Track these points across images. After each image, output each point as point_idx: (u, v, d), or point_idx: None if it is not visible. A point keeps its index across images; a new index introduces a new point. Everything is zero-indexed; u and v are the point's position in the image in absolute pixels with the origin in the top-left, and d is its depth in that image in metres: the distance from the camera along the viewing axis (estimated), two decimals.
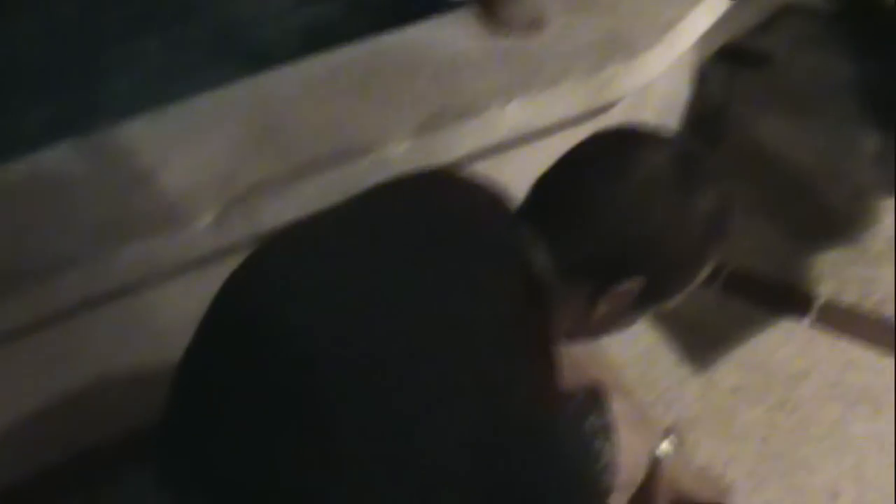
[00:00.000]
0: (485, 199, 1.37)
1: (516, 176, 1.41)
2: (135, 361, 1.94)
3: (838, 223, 2.40)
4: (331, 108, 2.02)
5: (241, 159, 1.91)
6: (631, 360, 2.12)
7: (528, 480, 1.17)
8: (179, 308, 1.51)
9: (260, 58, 2.15)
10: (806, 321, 2.19)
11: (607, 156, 1.29)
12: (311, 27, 2.45)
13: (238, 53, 2.31)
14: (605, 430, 1.47)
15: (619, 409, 1.52)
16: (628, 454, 1.51)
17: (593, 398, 1.50)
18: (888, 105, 2.61)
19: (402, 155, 1.90)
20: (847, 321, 2.18)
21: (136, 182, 1.89)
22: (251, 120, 2.01)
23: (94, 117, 2.05)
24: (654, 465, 1.69)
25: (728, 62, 2.80)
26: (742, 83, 2.76)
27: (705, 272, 1.35)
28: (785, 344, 2.15)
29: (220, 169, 1.89)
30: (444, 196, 1.37)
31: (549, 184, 1.31)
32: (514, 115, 2.01)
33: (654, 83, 2.25)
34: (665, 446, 1.69)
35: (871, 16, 2.82)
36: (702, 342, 2.16)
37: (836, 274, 2.28)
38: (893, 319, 2.17)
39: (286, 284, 1.27)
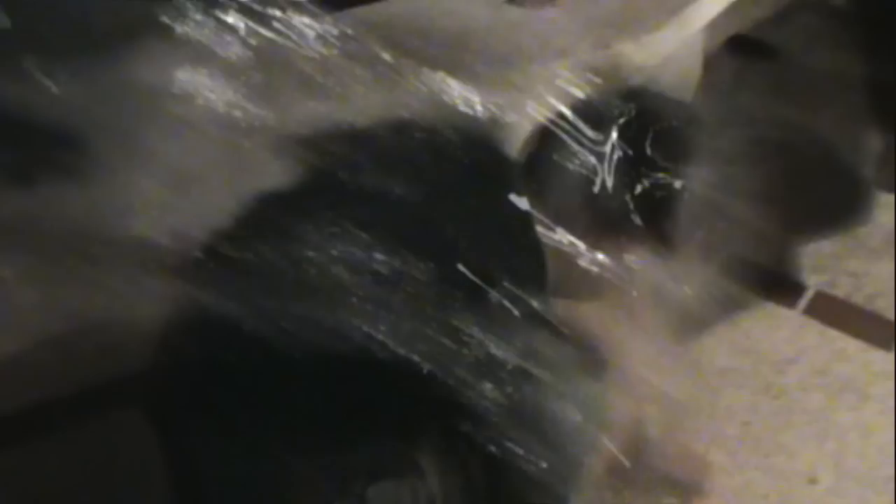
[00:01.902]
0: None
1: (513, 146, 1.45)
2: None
3: (837, 217, 2.41)
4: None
5: (249, 111, 1.93)
6: (622, 335, 2.13)
7: None
8: None
9: None
10: (797, 310, 2.21)
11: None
12: None
13: None
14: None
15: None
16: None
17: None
18: (893, 104, 2.62)
19: None
20: (838, 312, 2.20)
21: None
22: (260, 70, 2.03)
23: None
24: (638, 437, 1.71)
25: (739, 52, 2.81)
26: (751, 74, 2.77)
27: None
28: (775, 330, 2.17)
29: (223, 116, 1.91)
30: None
31: None
32: (518, 86, 2.02)
33: (662, 67, 2.26)
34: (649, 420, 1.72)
35: (883, 15, 2.82)
36: (693, 324, 2.18)
37: (831, 266, 2.29)
38: (884, 313, 2.19)
39: None
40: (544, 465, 1.31)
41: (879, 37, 2.80)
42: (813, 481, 1.91)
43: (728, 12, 2.45)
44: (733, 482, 1.91)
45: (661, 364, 2.08)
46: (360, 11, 2.15)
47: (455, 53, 2.05)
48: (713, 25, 2.49)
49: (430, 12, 2.16)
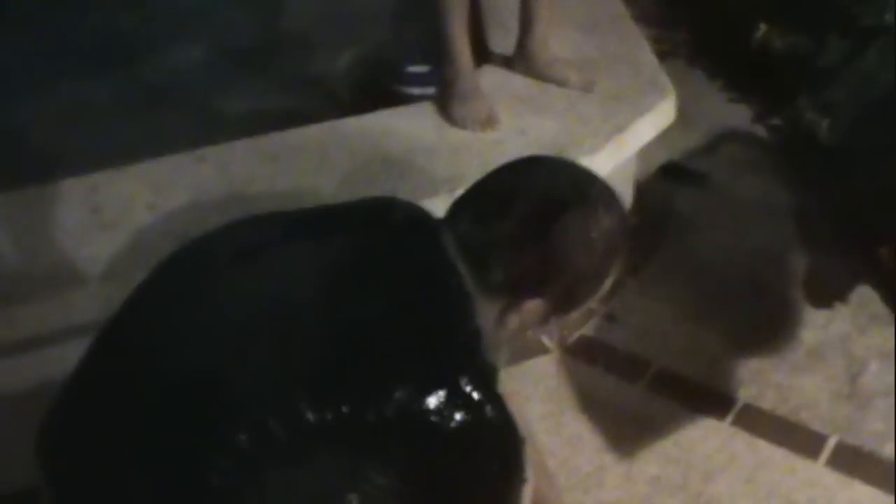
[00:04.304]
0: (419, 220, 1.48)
1: None
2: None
3: (763, 334, 2.51)
4: (286, 182, 2.13)
5: (196, 221, 2.00)
6: (556, 445, 2.19)
7: None
8: None
9: (224, 128, 2.25)
10: (726, 421, 2.29)
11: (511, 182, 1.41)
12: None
13: (204, 124, 2.40)
14: None
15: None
16: None
17: None
18: (816, 230, 2.77)
19: None
20: (765, 423, 2.28)
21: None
22: (210, 185, 2.11)
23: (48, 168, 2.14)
24: None
25: (669, 179, 2.96)
26: (681, 199, 2.91)
27: (606, 287, 1.45)
28: (704, 440, 2.24)
29: (175, 228, 1.97)
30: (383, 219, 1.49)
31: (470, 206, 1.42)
32: None
33: None
34: None
35: (806, 148, 2.98)
36: (625, 433, 2.25)
37: (757, 380, 2.38)
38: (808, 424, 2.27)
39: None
40: None
41: (801, 168, 2.97)
42: None
43: (659, 140, 2.59)
44: None
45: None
46: (307, 129, 2.26)
47: (398, 172, 2.16)
48: (645, 152, 2.63)
49: (375, 131, 2.26)
